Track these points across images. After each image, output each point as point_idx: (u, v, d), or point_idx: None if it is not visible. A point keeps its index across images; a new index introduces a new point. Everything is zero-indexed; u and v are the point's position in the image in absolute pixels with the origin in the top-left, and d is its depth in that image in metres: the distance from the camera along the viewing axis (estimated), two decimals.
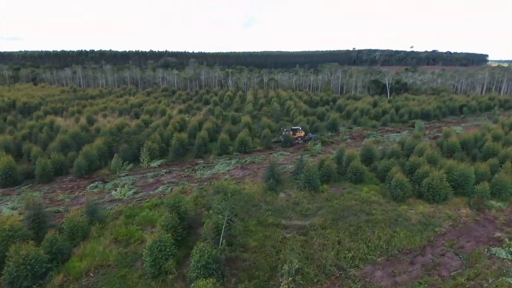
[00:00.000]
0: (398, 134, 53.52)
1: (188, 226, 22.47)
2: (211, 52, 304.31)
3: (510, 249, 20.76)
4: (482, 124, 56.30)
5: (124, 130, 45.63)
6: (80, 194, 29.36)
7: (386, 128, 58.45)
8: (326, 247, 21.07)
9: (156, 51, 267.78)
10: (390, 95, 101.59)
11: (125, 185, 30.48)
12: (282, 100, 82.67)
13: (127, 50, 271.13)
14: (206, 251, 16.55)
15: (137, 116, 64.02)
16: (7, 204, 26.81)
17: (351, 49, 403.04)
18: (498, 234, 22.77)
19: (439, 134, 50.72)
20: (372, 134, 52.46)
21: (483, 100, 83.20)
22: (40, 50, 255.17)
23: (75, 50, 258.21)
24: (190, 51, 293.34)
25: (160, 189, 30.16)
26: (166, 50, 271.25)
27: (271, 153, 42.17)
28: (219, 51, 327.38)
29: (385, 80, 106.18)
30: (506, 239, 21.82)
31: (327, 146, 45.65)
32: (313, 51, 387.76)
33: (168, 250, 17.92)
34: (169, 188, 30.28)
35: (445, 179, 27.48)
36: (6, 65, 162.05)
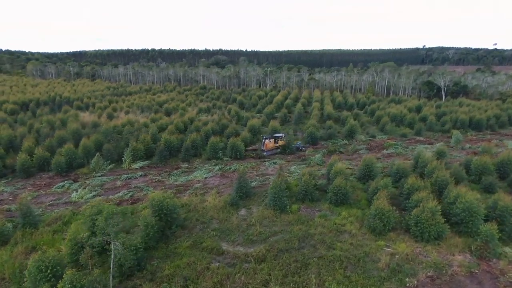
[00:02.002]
0: (429, 146, 45.55)
1: (107, 242, 20.32)
2: (263, 50, 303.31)
3: None
4: None
5: (126, 128, 45.66)
6: (43, 192, 29.27)
7: (418, 138, 50.32)
8: None
9: (211, 49, 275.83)
10: (444, 99, 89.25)
11: (87, 187, 29.67)
12: (313, 101, 77.24)
13: (186, 49, 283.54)
14: (67, 282, 14.14)
15: (157, 113, 64.70)
16: None
17: (421, 47, 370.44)
18: None
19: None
20: (395, 145, 45.30)
21: None
22: (108, 49, 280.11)
23: (139, 48, 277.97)
24: (244, 49, 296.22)
25: (120, 193, 28.73)
26: (220, 49, 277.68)
27: (265, 161, 38.41)
28: (273, 50, 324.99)
29: (440, 82, 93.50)
30: None
31: (331, 157, 40.22)
32: (375, 50, 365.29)
33: (49, 271, 15.90)
34: (130, 194, 28.72)
35: (440, 212, 21.37)
36: (75, 63, 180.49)
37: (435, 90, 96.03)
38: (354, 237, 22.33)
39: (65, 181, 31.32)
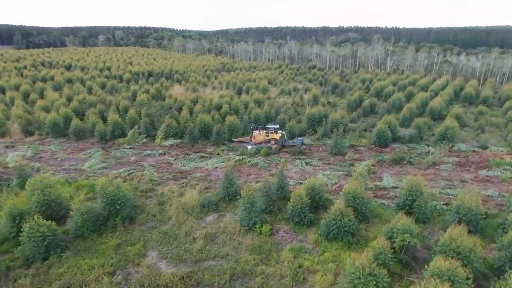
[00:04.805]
0: None
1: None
2: (407, 27, 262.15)
3: None
4: None
5: (186, 103, 46.08)
6: (71, 156, 31.96)
7: None
8: None
9: (344, 26, 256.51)
10: None
11: (100, 158, 30.77)
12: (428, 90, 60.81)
13: (318, 26, 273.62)
14: None
15: (239, 91, 63.77)
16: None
17: None
18: None
19: None
20: (509, 164, 30.18)
21: None
22: (246, 27, 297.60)
23: (273, 26, 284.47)
24: (382, 26, 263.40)
25: (121, 170, 28.56)
26: (356, 26, 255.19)
27: (298, 159, 31.77)
28: (419, 27, 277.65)
29: None
30: None
31: (391, 168, 29.93)
32: None
33: None
34: (128, 172, 28.15)
35: None
36: (215, 39, 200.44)
37: None
38: None
39: (95, 149, 33.48)
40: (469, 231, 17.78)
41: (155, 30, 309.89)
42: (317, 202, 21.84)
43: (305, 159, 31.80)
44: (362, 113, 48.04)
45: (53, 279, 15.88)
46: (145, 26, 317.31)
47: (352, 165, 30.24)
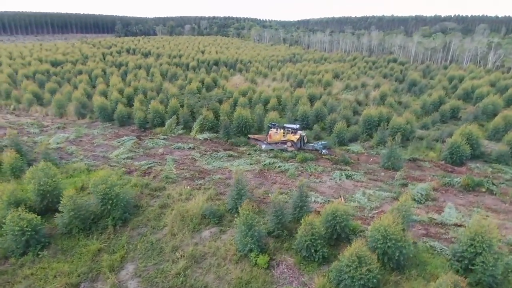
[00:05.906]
0: None
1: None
2: None
3: None
4: None
5: (234, 94, 43.71)
6: (106, 142, 32.09)
7: None
8: None
9: (441, 15, 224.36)
10: None
11: (127, 148, 30.08)
12: None
13: (409, 15, 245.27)
14: None
15: (299, 84, 59.07)
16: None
17: None
18: None
19: None
20: None
21: None
22: (325, 17, 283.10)
23: (358, 15, 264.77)
24: (491, 14, 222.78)
25: (143, 162, 27.33)
26: (457, 15, 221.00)
27: (339, 170, 26.52)
28: None
29: None
30: None
31: (460, 196, 22.73)
32: None
33: None
34: (149, 165, 26.75)
35: None
36: (294, 28, 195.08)
37: None
38: None
39: (129, 137, 33.18)
40: None
41: (238, 20, 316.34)
42: (338, 233, 17.07)
43: (348, 170, 26.41)
44: (439, 118, 39.22)
45: (17, 281, 14.77)
46: (228, 16, 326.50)
47: (406, 185, 23.94)
